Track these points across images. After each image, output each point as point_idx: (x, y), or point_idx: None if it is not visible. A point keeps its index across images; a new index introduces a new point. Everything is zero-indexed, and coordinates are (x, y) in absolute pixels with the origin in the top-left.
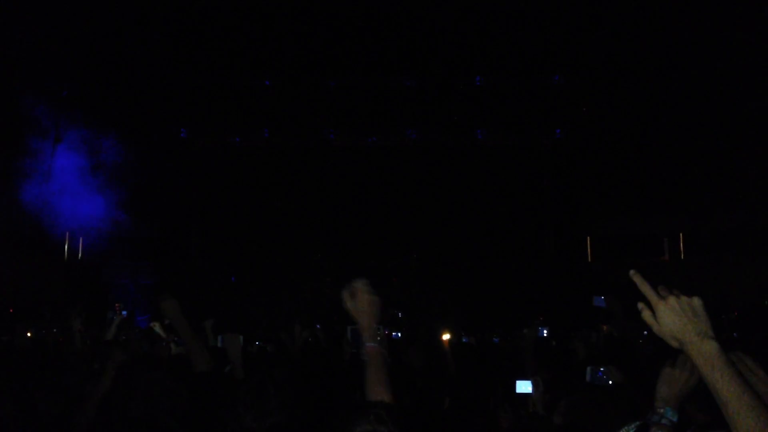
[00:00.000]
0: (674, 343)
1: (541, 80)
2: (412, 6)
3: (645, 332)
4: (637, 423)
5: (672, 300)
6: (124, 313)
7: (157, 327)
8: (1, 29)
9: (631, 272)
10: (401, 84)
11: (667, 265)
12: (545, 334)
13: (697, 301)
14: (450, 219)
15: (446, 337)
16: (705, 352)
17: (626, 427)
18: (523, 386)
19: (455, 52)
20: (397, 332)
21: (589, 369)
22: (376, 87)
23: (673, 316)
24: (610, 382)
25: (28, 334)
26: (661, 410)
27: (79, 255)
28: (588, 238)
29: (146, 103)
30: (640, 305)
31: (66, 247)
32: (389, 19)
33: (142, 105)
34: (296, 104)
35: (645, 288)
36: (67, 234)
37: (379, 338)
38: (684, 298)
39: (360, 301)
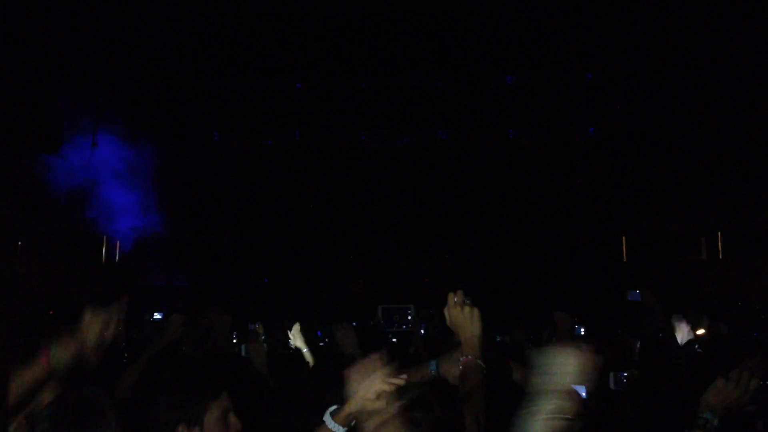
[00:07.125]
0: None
1: (574, 78)
2: (442, 6)
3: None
4: None
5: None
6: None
7: (259, 328)
8: (39, 32)
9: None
10: (432, 84)
11: (705, 264)
12: (582, 333)
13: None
14: (482, 219)
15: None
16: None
17: None
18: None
19: (486, 52)
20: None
21: (611, 375)
22: (406, 88)
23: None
24: None
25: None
26: (706, 415)
27: (116, 257)
28: (623, 237)
29: (179, 106)
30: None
31: (104, 249)
32: (419, 20)
33: (175, 109)
34: (327, 106)
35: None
36: (105, 237)
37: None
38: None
39: (455, 315)
